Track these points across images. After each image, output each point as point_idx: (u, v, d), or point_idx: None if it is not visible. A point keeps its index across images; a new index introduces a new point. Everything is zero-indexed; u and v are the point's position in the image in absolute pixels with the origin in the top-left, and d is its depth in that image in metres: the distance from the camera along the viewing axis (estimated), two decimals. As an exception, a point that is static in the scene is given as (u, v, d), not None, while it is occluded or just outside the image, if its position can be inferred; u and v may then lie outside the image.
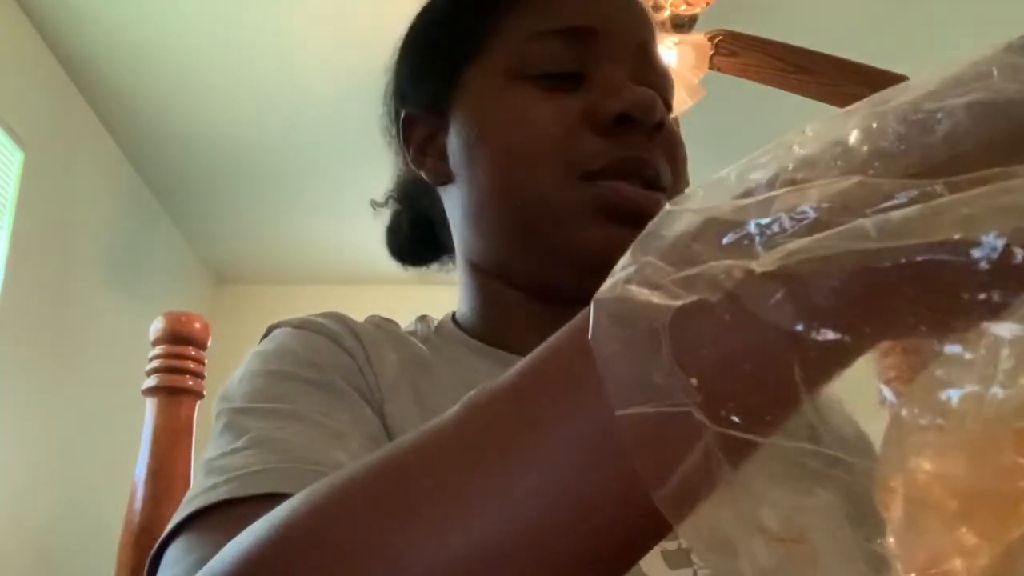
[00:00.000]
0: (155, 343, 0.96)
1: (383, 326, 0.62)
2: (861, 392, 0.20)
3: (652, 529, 0.24)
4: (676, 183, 0.58)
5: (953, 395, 0.17)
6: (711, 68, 2.08)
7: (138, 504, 0.89)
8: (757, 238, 0.20)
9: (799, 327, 0.19)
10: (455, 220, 0.64)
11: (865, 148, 0.20)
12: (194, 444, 0.94)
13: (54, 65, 2.87)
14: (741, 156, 0.23)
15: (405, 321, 0.67)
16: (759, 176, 0.21)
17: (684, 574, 0.49)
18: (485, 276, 0.63)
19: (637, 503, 0.23)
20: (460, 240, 0.64)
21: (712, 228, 0.21)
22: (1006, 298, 0.17)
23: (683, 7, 2.03)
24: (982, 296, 0.17)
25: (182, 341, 0.95)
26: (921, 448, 0.17)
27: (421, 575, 0.25)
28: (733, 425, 0.19)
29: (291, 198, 3.75)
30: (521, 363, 0.27)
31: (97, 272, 3.32)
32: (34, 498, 2.83)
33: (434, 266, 0.73)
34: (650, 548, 0.25)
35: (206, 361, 0.97)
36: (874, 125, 0.20)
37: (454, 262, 0.68)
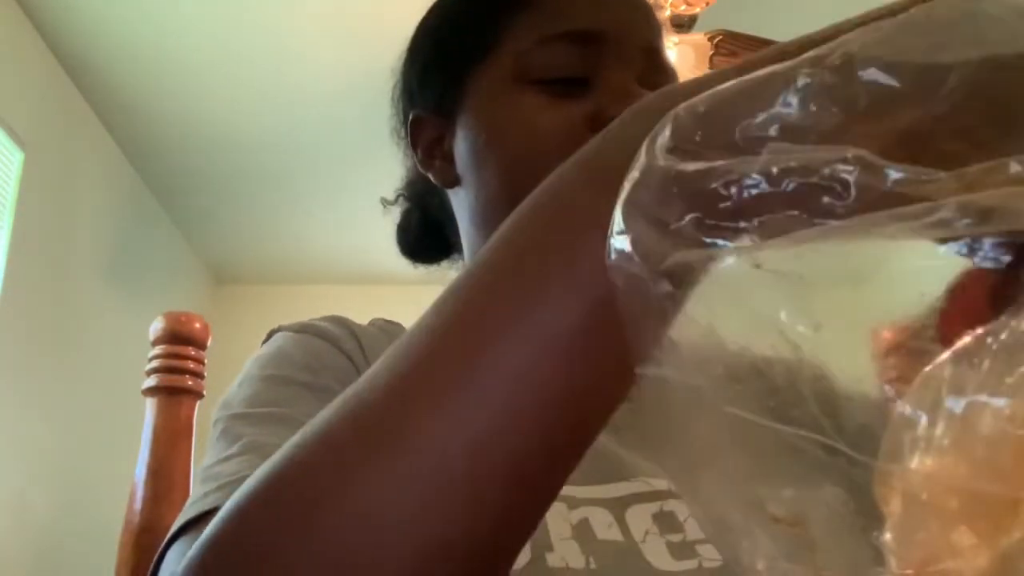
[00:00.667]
0: (155, 343, 0.96)
1: (386, 328, 0.62)
2: (862, 391, 0.20)
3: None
4: None
5: (956, 398, 0.17)
6: (711, 68, 2.08)
7: (138, 504, 0.89)
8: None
9: None
10: (463, 222, 0.64)
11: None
12: (194, 444, 0.94)
13: (54, 65, 2.87)
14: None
15: (408, 322, 0.67)
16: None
17: (689, 565, 0.49)
18: None
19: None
20: (467, 241, 0.64)
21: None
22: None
23: (683, 7, 2.03)
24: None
25: (182, 341, 0.95)
26: (921, 447, 0.17)
27: (437, 457, 0.25)
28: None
29: (291, 198, 3.75)
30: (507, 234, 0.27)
31: (97, 272, 3.32)
32: (34, 498, 2.83)
33: (444, 264, 0.73)
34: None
35: (206, 361, 0.97)
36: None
37: (464, 260, 0.68)
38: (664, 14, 2.03)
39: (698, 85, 0.24)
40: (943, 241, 0.19)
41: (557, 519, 0.50)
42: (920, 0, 0.21)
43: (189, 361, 0.95)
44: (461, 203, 0.63)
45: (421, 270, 0.74)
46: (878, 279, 0.19)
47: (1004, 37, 0.19)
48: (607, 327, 0.24)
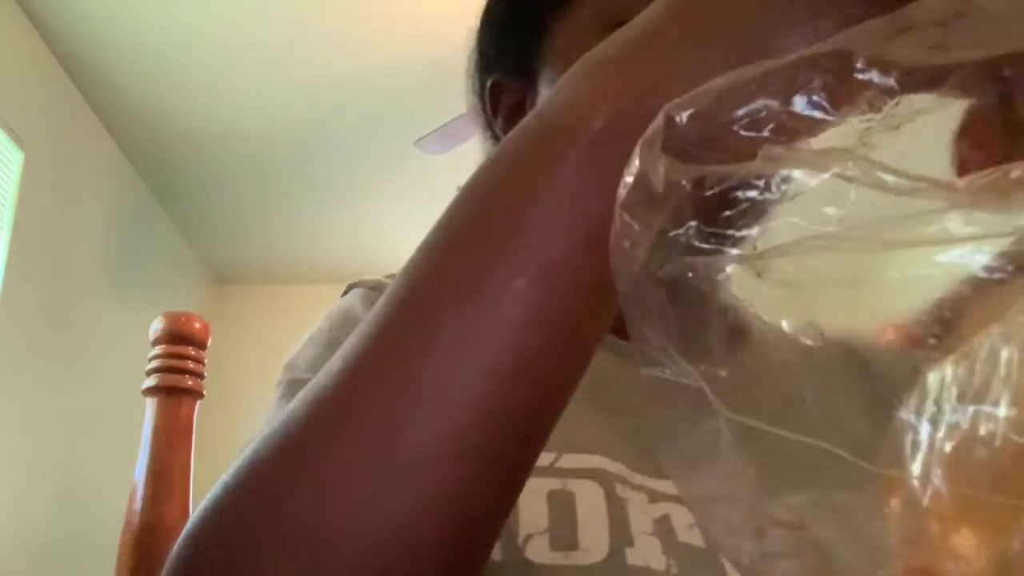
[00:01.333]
0: (155, 343, 0.96)
1: None
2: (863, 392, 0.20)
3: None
4: None
5: (957, 407, 0.17)
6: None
7: (138, 504, 0.89)
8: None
9: None
10: None
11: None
12: (194, 444, 0.94)
13: (54, 65, 2.87)
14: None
15: None
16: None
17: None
18: None
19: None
20: None
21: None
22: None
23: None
24: None
25: (182, 341, 0.95)
26: (923, 451, 0.17)
27: (444, 404, 0.25)
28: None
29: (291, 198, 3.75)
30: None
31: (97, 272, 3.32)
32: (34, 498, 2.83)
33: None
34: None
35: (206, 361, 0.97)
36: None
37: None
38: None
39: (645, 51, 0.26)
40: (944, 249, 0.19)
41: (637, 512, 0.47)
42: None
43: (189, 361, 0.95)
44: None
45: None
46: (879, 286, 0.19)
47: (1003, 37, 0.20)
48: (563, 288, 0.25)
